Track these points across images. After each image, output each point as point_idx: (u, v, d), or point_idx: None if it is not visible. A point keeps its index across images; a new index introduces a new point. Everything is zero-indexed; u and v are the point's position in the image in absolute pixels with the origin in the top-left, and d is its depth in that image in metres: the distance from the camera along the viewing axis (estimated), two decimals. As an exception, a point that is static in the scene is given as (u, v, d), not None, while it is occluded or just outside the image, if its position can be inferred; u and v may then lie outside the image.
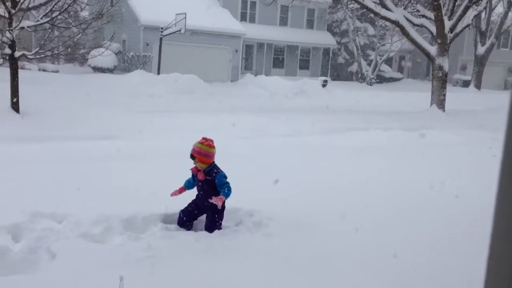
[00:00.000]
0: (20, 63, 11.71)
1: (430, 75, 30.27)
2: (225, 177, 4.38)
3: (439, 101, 17.34)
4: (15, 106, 10.89)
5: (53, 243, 3.98)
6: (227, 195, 4.29)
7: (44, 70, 23.67)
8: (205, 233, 4.42)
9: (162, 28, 23.47)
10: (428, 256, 4.09)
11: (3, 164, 6.38)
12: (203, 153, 4.35)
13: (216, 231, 4.47)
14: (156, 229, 4.46)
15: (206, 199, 4.37)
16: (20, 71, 11.29)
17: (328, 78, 30.97)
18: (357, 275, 3.70)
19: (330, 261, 3.91)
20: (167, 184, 4.70)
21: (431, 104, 17.63)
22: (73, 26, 13.86)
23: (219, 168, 4.44)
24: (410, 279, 3.69)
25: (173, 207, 4.68)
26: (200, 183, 4.46)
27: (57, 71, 23.92)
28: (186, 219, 4.57)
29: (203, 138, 4.45)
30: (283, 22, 33.86)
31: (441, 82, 17.34)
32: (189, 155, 4.42)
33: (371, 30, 36.56)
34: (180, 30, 23.19)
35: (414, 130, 11.93)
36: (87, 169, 6.35)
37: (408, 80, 39.58)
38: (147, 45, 26.03)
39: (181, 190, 4.61)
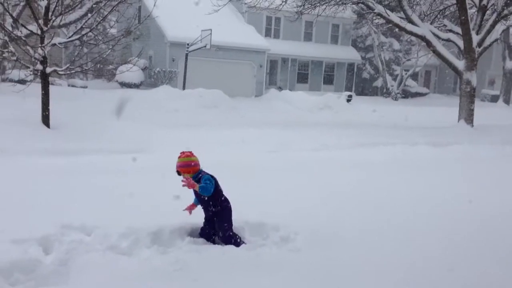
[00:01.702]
0: (50, 79, 12.00)
1: (457, 90, 29.83)
2: (208, 180, 4.40)
3: (467, 116, 17.03)
4: (46, 121, 11.14)
5: (82, 255, 4.03)
6: (201, 187, 4.30)
7: (73, 86, 24.22)
8: (232, 247, 4.40)
9: (188, 44, 23.80)
10: (461, 271, 3.99)
11: (34, 176, 6.52)
12: (183, 165, 4.48)
13: (243, 245, 4.46)
14: (183, 243, 4.47)
15: (207, 208, 4.56)
16: (50, 87, 11.57)
17: (353, 93, 30.79)
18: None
19: (358, 276, 3.85)
20: (194, 197, 4.71)
21: (458, 119, 17.33)
22: (102, 43, 14.17)
23: (205, 172, 4.52)
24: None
25: (200, 220, 4.69)
26: (196, 194, 4.55)
27: (85, 87, 24.43)
28: (205, 239, 4.61)
29: (181, 153, 4.57)
30: (308, 37, 33.95)
31: (469, 97, 17.04)
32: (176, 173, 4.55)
33: (396, 45, 36.33)
34: (205, 46, 23.47)
35: (441, 145, 11.73)
36: (115, 182, 6.43)
37: (435, 95, 39.06)
38: (173, 60, 26.41)
39: (192, 207, 4.68)
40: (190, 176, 4.43)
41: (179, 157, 4.54)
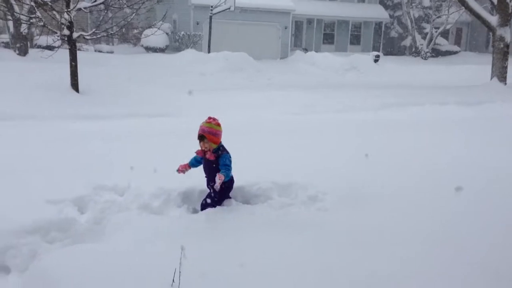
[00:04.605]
0: (77, 44, 12.09)
1: (490, 47, 28.81)
2: (230, 160, 4.19)
3: (500, 74, 16.54)
4: (75, 86, 11.30)
5: (116, 214, 4.16)
6: (227, 176, 4.09)
7: (99, 51, 24.40)
8: (261, 206, 4.45)
9: (211, 7, 23.51)
10: (490, 235, 3.96)
11: (65, 140, 6.68)
12: (213, 132, 4.18)
13: (269, 203, 4.48)
14: (213, 202, 4.54)
15: (212, 180, 4.18)
16: (78, 52, 11.67)
17: (380, 53, 30.04)
18: (415, 250, 3.63)
19: (386, 235, 3.86)
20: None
21: (491, 78, 16.85)
22: (126, 6, 14.11)
23: (225, 149, 4.27)
24: (468, 256, 3.58)
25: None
26: (207, 164, 4.29)
27: (112, 52, 24.58)
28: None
29: (210, 118, 4.29)
30: (334, -4, 33.10)
31: (502, 54, 16.50)
32: (197, 136, 4.24)
33: (426, 2, 35.07)
34: (229, 8, 23.13)
35: (473, 104, 11.46)
36: (144, 144, 6.54)
37: (466, 53, 37.80)
38: (197, 24, 26.19)
39: (185, 167, 4.43)
40: (212, 146, 4.18)
41: (208, 122, 4.23)
